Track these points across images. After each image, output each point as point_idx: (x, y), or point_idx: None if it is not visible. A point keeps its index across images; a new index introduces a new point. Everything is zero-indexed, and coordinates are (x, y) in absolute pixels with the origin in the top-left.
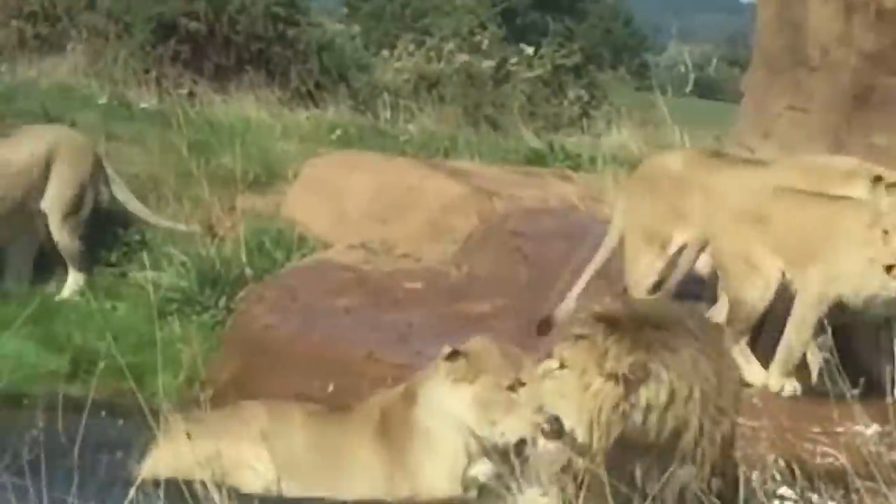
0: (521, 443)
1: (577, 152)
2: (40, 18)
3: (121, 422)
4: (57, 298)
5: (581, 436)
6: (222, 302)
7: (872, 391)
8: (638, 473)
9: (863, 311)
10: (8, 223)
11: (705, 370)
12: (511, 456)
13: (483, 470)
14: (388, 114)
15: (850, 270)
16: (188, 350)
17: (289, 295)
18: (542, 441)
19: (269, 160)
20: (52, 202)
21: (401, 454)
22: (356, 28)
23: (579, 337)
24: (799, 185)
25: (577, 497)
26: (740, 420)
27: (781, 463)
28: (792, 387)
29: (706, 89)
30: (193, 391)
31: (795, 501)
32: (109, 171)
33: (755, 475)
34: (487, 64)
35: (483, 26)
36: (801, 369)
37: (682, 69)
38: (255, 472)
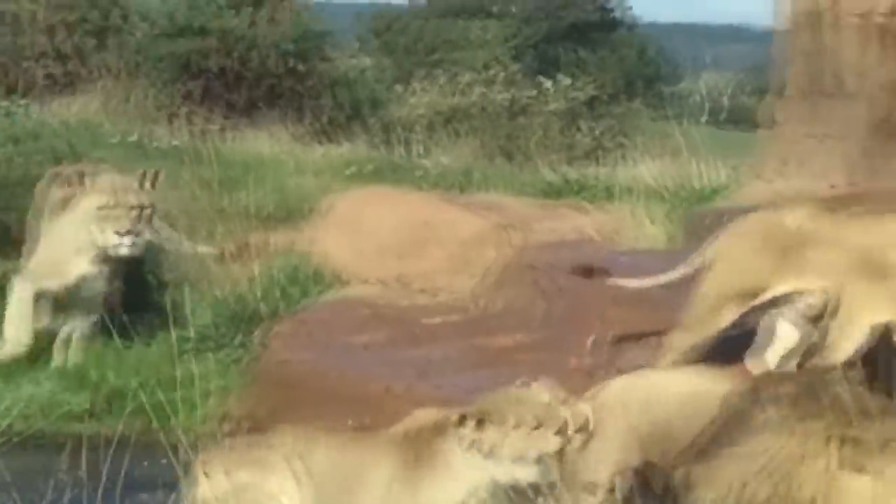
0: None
1: (592, 184)
2: (51, 58)
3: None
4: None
5: None
6: (238, 339)
7: None
8: None
9: None
10: None
11: None
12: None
13: None
14: (403, 149)
15: None
16: (207, 388)
17: (305, 331)
18: None
19: (282, 196)
20: None
21: (417, 479)
22: (367, 61)
23: None
24: None
25: None
26: None
27: None
28: None
29: (741, 118)
30: (213, 428)
31: None
32: None
33: None
34: (503, 97)
35: (498, 60)
36: None
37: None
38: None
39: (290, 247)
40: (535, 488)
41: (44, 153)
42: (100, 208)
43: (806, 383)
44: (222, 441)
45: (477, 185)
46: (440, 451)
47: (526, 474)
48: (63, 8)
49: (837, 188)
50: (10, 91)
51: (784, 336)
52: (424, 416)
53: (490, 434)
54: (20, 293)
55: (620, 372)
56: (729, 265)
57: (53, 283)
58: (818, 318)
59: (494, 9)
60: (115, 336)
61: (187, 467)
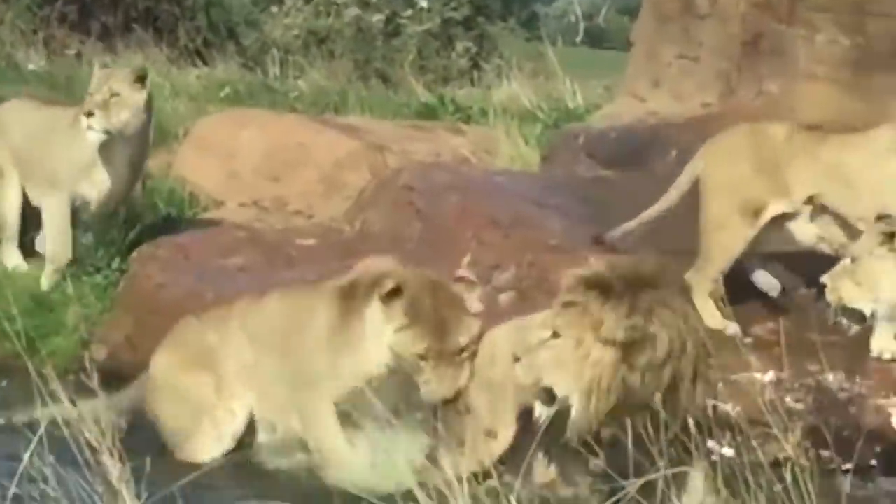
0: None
1: (467, 105)
2: None
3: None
4: None
5: (579, 402)
6: (115, 263)
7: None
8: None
9: None
10: None
11: (694, 321)
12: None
13: None
14: (277, 70)
15: None
16: (82, 311)
17: (181, 254)
18: (538, 407)
19: (158, 119)
20: None
21: (344, 332)
22: None
23: (570, 304)
24: None
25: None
26: None
27: None
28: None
29: (597, 39)
30: (86, 352)
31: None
32: None
33: None
34: (378, 18)
35: None
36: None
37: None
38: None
39: (165, 170)
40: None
41: None
42: (88, 93)
43: None
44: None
45: (352, 106)
46: (364, 313)
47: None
48: None
49: (710, 107)
50: None
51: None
52: (372, 265)
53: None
54: (53, 207)
55: (496, 292)
56: (724, 183)
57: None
58: None
59: None
60: None
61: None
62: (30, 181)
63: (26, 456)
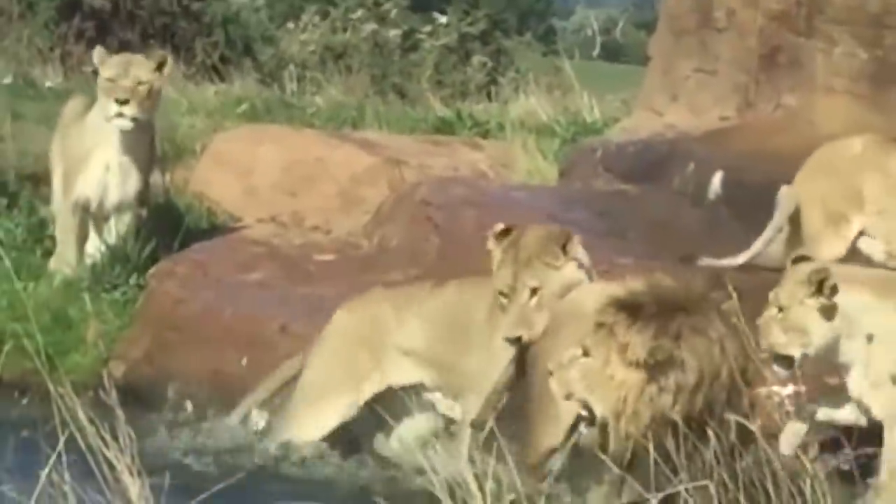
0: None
1: (485, 119)
2: None
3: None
4: None
5: (611, 422)
6: (133, 279)
7: None
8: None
9: None
10: None
11: (732, 348)
12: None
13: None
14: (294, 86)
15: None
16: (101, 328)
17: (200, 270)
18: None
19: (176, 136)
20: None
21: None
22: (260, 0)
23: (601, 325)
24: None
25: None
26: None
27: None
28: None
29: (613, 53)
30: (105, 369)
31: None
32: None
33: None
34: (395, 33)
35: None
36: None
37: (589, 33)
38: None
39: (183, 186)
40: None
41: None
42: (108, 79)
43: None
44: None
45: (369, 121)
46: None
47: None
48: None
49: (728, 120)
50: None
51: None
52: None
53: None
54: (60, 213)
55: None
56: (812, 199)
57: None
58: None
59: None
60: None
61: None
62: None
63: (44, 473)
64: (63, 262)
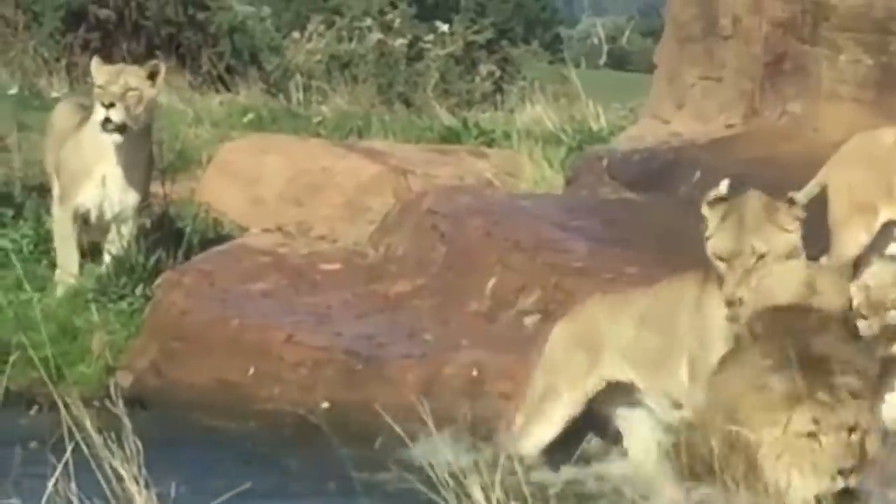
0: None
1: (491, 128)
2: None
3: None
4: None
5: None
6: (139, 289)
7: None
8: None
9: None
10: None
11: None
12: None
13: None
14: (300, 95)
15: None
16: (107, 338)
17: (206, 280)
18: None
19: (182, 146)
20: None
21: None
22: (266, 10)
23: None
24: None
25: None
26: None
27: None
28: None
29: (620, 61)
30: (112, 379)
31: None
32: None
33: None
34: (401, 42)
35: (394, 4)
36: None
37: (596, 41)
38: None
39: (189, 196)
40: None
41: None
42: (99, 86)
43: None
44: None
45: (375, 130)
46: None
47: None
48: None
49: (734, 128)
50: None
51: None
52: None
53: None
54: (56, 222)
55: (521, 316)
56: (840, 185)
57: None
58: None
59: None
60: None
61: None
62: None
63: (50, 483)
64: (66, 273)
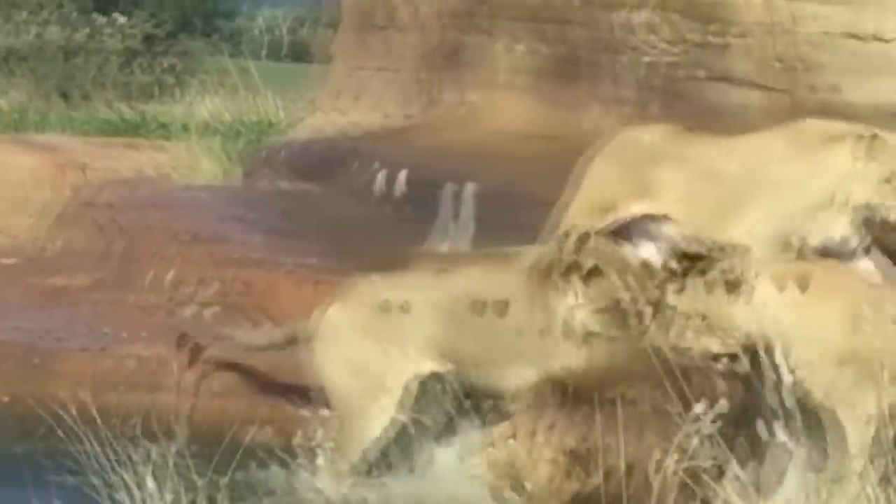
0: None
1: (170, 121)
2: None
3: None
4: None
5: None
6: None
7: None
8: None
9: None
10: None
11: None
12: None
13: None
14: None
15: None
16: None
17: None
18: None
19: None
20: None
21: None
22: None
23: None
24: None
25: None
26: None
27: None
28: None
29: (301, 53)
30: None
31: None
32: None
33: None
34: (79, 35)
35: None
36: None
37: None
38: None
39: None
40: None
41: None
42: None
43: None
44: None
45: (33, 125)
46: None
47: None
48: None
49: (412, 118)
50: None
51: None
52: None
53: None
54: None
55: (201, 308)
56: (588, 182)
57: None
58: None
59: None
60: None
61: None
62: None
63: None
64: None
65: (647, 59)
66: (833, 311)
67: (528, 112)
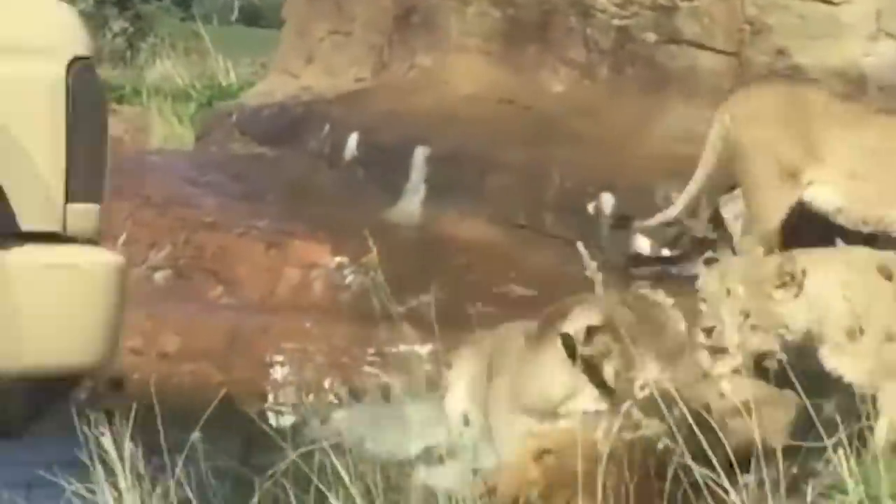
0: None
1: (121, 85)
2: None
3: None
4: None
5: None
6: None
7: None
8: None
9: None
10: None
11: None
12: None
13: None
14: None
15: None
16: None
17: None
18: None
19: None
20: None
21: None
22: None
23: None
24: None
25: None
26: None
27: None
28: None
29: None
30: None
31: None
32: None
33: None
34: None
35: None
36: None
37: None
38: None
39: None
40: None
41: None
42: None
43: None
44: None
45: None
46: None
47: None
48: None
49: (363, 82)
50: None
51: None
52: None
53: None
54: None
55: (152, 271)
56: (762, 146)
57: None
58: None
59: None
60: None
61: None
62: None
63: None
64: None
65: (596, 21)
66: None
67: (480, 75)
